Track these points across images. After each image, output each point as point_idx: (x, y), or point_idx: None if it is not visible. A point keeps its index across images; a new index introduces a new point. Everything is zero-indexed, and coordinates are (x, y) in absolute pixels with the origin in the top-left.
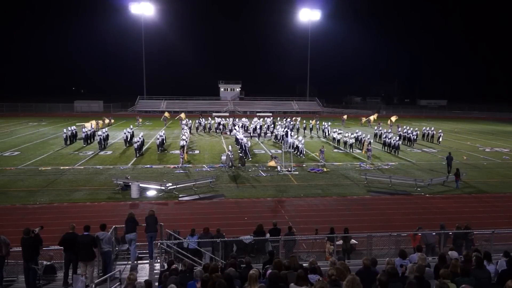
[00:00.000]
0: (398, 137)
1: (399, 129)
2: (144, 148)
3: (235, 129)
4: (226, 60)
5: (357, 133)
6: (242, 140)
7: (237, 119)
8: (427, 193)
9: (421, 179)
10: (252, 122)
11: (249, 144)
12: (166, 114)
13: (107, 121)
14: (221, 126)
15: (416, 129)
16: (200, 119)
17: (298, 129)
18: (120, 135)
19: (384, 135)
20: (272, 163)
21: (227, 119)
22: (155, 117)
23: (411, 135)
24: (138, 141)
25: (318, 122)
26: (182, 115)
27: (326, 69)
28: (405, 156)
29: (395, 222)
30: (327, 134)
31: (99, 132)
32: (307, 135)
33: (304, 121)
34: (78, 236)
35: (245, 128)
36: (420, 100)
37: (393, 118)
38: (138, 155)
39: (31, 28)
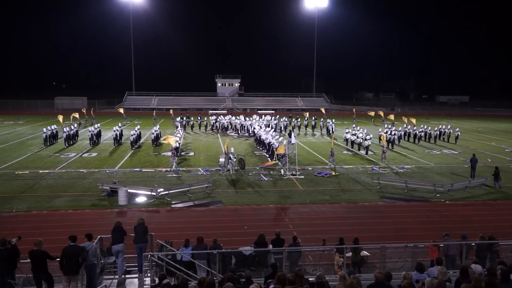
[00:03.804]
0: (394, 132)
1: (408, 126)
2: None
3: (254, 128)
4: (224, 52)
5: (358, 130)
6: (271, 141)
7: (256, 117)
8: (447, 199)
9: (441, 183)
10: (254, 121)
11: (277, 146)
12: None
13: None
14: (217, 124)
15: (424, 126)
16: (184, 117)
17: (293, 127)
18: (108, 135)
19: (385, 130)
20: (281, 149)
21: (224, 117)
22: (144, 115)
23: (416, 132)
24: (134, 134)
25: (322, 120)
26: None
27: (335, 62)
28: (423, 158)
29: (411, 231)
30: (331, 131)
31: (91, 128)
32: (308, 133)
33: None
34: (65, 247)
35: (245, 128)
36: (439, 96)
37: (392, 116)
38: (134, 148)
39: (5, 16)
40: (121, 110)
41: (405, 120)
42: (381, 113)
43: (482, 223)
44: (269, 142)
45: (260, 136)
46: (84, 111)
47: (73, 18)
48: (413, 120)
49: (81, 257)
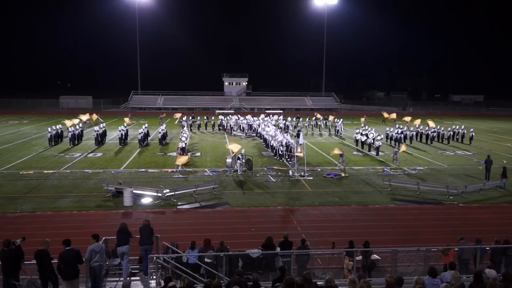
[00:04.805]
0: (405, 132)
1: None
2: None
3: (263, 127)
4: (231, 50)
5: (369, 130)
6: (289, 141)
7: (263, 116)
8: (461, 202)
9: (454, 186)
10: (261, 120)
11: (294, 145)
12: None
13: (95, 117)
14: (224, 123)
15: (436, 126)
16: (190, 117)
17: (301, 128)
18: (113, 135)
19: (392, 129)
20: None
21: (231, 116)
22: (150, 115)
23: (429, 132)
24: (142, 132)
25: (330, 119)
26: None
27: (345, 60)
28: (436, 159)
29: (423, 235)
30: (340, 133)
31: (96, 128)
32: (315, 132)
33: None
34: (62, 252)
35: (253, 128)
36: (452, 96)
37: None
38: (141, 146)
39: (10, 15)
40: (127, 120)
41: (417, 121)
42: (394, 115)
43: (497, 227)
44: (287, 142)
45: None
46: (92, 116)
47: (78, 16)
48: (431, 122)
49: (78, 260)
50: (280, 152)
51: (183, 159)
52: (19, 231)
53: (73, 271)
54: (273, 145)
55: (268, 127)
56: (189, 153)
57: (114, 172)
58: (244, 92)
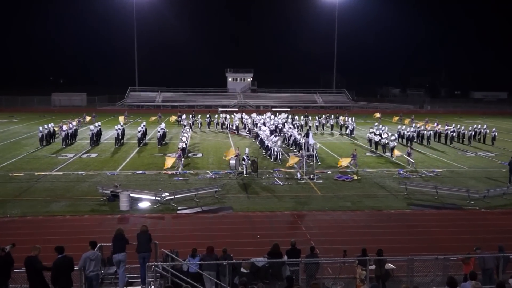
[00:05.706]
0: (413, 130)
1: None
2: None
3: (259, 126)
4: (235, 44)
5: (383, 130)
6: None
7: (269, 114)
8: (483, 207)
9: (476, 189)
10: (267, 118)
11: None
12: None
13: (88, 118)
14: (227, 122)
15: (456, 126)
16: (191, 115)
17: (310, 127)
18: (109, 134)
19: (404, 127)
20: (292, 161)
21: (235, 114)
22: (147, 113)
23: (448, 132)
24: (141, 131)
25: (341, 118)
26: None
27: (357, 54)
28: (456, 161)
29: (442, 242)
30: (351, 132)
31: (91, 127)
32: (325, 132)
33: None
34: (55, 261)
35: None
36: (473, 93)
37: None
38: (140, 145)
39: (4, 10)
40: (121, 119)
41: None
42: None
43: None
44: (303, 142)
45: (294, 138)
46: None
47: (71, 8)
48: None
49: (72, 269)
50: (274, 153)
51: (169, 162)
52: (9, 237)
53: (66, 280)
54: (268, 145)
55: (270, 126)
56: (173, 154)
57: (109, 174)
58: (249, 88)
